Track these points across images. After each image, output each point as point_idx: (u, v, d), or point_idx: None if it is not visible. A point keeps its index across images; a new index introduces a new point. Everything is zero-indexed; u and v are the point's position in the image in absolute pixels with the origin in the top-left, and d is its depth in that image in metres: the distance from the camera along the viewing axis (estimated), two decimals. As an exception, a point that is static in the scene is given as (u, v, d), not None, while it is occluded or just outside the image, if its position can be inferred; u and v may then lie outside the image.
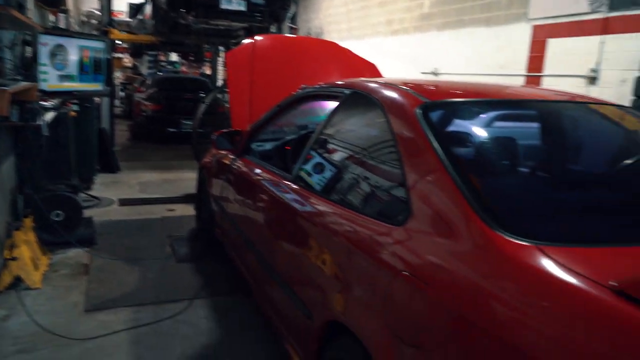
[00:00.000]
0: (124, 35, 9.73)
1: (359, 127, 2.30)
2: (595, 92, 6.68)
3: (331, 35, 13.98)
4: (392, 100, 1.97)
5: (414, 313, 1.41)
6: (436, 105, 1.88)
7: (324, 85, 2.71)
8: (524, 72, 7.77)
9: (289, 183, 2.44)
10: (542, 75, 7.49)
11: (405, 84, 2.14)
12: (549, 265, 1.18)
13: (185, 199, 5.77)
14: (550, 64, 7.38)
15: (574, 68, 6.97)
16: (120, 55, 18.59)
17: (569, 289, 1.11)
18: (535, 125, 2.09)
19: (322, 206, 2.08)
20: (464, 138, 1.81)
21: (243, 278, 3.18)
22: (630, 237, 1.37)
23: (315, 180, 2.22)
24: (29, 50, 4.57)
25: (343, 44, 5.53)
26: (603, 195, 1.69)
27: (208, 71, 17.32)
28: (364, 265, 1.68)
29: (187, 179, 6.75)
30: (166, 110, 9.72)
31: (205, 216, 4.11)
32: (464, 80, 8.75)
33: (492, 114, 2.02)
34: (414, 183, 1.61)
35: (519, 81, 7.83)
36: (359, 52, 5.23)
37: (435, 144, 1.62)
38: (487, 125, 1.98)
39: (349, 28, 13.13)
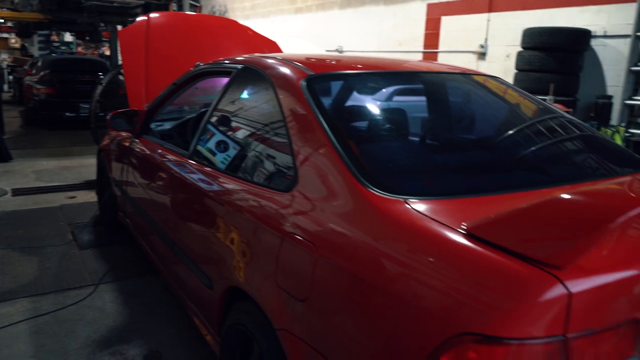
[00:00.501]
0: (6, 12, 8.97)
1: (250, 101, 2.37)
2: (484, 67, 7.21)
3: (235, 14, 13.77)
4: (279, 73, 2.06)
5: (302, 271, 1.52)
6: (320, 78, 1.99)
7: (218, 62, 2.73)
8: (421, 48, 8.18)
9: (186, 159, 2.47)
10: (437, 52, 7.93)
11: (296, 59, 2.23)
12: (411, 214, 1.33)
13: (86, 185, 5.54)
14: (445, 41, 7.84)
15: (466, 44, 7.46)
16: (5, 35, 17.09)
17: (427, 233, 1.27)
18: (412, 94, 2.27)
19: (217, 179, 2.15)
20: (344, 107, 1.94)
21: (150, 259, 3.17)
22: (482, 189, 1.55)
23: (211, 154, 2.27)
24: None
25: (248, 22, 5.53)
26: (465, 156, 1.90)
27: (108, 52, 16.41)
28: (256, 231, 1.77)
29: (88, 165, 6.46)
30: (62, 94, 9.15)
31: (107, 201, 4.00)
32: (364, 56, 9.04)
33: (372, 84, 2.17)
34: (298, 150, 1.72)
35: (417, 57, 8.23)
36: (264, 30, 5.26)
37: (318, 113, 1.73)
38: (367, 95, 2.14)
39: (253, 6, 13.01)
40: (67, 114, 9.17)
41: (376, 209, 1.39)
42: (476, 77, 2.50)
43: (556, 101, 5.61)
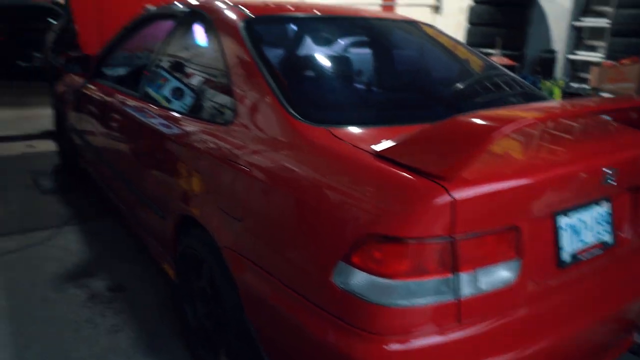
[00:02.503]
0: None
1: (195, 42, 2.49)
2: (439, 21, 7.38)
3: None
4: (221, 15, 2.21)
5: (238, 193, 1.74)
6: (259, 20, 2.16)
7: (165, 6, 2.84)
8: (379, 1, 8.26)
9: (137, 100, 2.62)
10: (394, 4, 8.04)
11: (241, 2, 2.37)
12: (332, 140, 1.55)
13: (45, 135, 5.56)
14: (402, -6, 7.93)
15: (422, -2, 7.58)
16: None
17: (342, 153, 1.50)
18: (347, 37, 2.45)
19: (165, 116, 2.33)
20: (280, 47, 2.12)
21: (110, 201, 3.32)
22: (398, 120, 1.76)
23: (158, 94, 2.43)
24: None
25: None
26: (388, 93, 2.12)
27: None
28: (200, 161, 1.98)
29: (46, 116, 6.40)
30: (11, 42, 8.87)
31: (67, 147, 4.09)
32: (309, 2, 9.01)
33: (308, 27, 2.36)
34: (236, 87, 1.90)
35: (374, 9, 8.33)
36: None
37: (254, 53, 1.90)
38: (302, 36, 2.33)
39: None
40: (21, 63, 8.92)
41: (302, 136, 1.60)
42: (408, 24, 2.67)
43: (503, 55, 5.85)
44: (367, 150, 1.47)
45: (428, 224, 1.30)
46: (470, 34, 6.37)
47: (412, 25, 2.66)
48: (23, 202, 3.75)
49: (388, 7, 8.14)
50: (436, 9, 7.40)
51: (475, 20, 6.23)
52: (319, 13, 2.33)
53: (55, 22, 8.83)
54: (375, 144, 1.48)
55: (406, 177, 1.34)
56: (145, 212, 2.58)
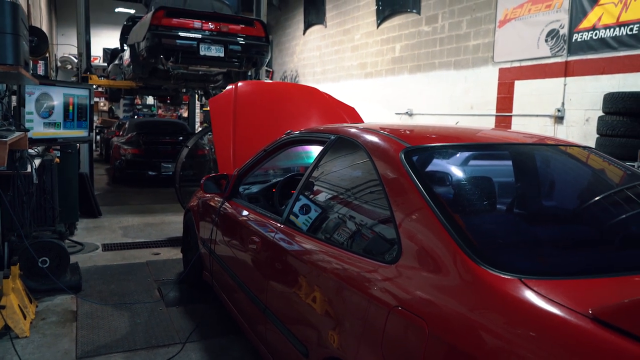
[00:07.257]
0: (104, 81, 9.84)
1: (345, 170, 2.45)
2: (561, 131, 7.05)
3: (306, 78, 14.37)
4: (376, 145, 2.13)
5: (409, 346, 1.52)
6: (417, 150, 2.05)
7: (309, 131, 2.87)
8: (493, 112, 8.15)
9: (281, 225, 2.55)
10: (511, 115, 7.87)
11: (385, 129, 2.32)
12: (532, 296, 1.32)
13: (169, 242, 5.80)
14: (519, 105, 7.78)
15: (541, 108, 7.37)
16: (97, 99, 18.64)
17: (553, 318, 1.25)
18: (509, 166, 2.28)
19: (316, 247, 2.20)
20: (445, 179, 1.98)
21: (235, 319, 3.23)
22: (602, 268, 1.51)
23: (307, 222, 2.34)
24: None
25: (318, 86, 5.77)
26: (575, 230, 1.86)
27: (185, 114, 17.51)
28: (359, 302, 1.79)
29: (170, 222, 6.78)
30: (146, 154, 9.76)
31: (192, 259, 4.16)
32: (435, 122, 9.12)
33: (469, 156, 2.20)
34: (402, 223, 1.75)
35: (490, 121, 8.19)
36: (334, 94, 5.47)
37: (420, 185, 1.77)
38: (465, 167, 2.17)
39: (324, 71, 13.55)
40: (150, 172, 9.73)
41: (491, 289, 1.39)
42: (570, 149, 2.47)
43: (644, 167, 5.35)
44: (579, 312, 1.23)
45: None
46: (600, 145, 5.98)
47: (575, 150, 2.44)
48: (149, 314, 3.78)
49: (504, 117, 7.99)
50: (558, 119, 7.12)
51: (607, 131, 5.86)
52: (475, 141, 2.20)
53: (182, 138, 9.72)
54: (585, 304, 1.24)
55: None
56: (281, 341, 2.41)
